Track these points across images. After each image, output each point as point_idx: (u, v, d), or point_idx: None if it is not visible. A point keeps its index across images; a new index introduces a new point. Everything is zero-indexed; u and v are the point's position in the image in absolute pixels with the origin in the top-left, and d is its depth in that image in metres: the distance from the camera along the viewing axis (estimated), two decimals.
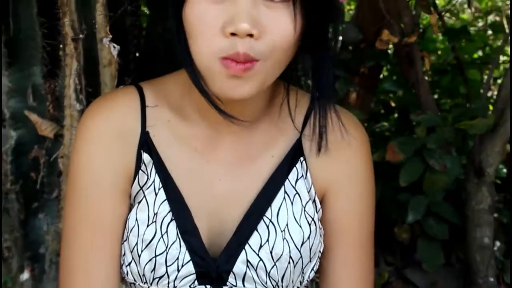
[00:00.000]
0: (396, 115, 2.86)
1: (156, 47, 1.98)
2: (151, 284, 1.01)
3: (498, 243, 2.26)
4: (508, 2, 2.88)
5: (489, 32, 3.06)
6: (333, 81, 1.11)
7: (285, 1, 0.93)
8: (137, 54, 1.98)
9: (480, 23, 3.28)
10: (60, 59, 1.82)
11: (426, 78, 2.16)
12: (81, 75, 1.74)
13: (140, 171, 1.02)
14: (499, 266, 2.26)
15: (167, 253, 1.00)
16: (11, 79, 1.88)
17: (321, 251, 1.08)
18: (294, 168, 1.06)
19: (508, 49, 2.86)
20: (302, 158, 1.07)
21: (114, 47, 1.62)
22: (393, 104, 2.91)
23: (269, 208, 1.04)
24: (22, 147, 1.93)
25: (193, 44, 0.95)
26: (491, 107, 2.28)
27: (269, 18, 0.93)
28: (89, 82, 1.77)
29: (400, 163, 2.09)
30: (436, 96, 2.65)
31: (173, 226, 1.00)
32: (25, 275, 2.03)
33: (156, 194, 1.01)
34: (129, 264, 1.02)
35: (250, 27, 0.90)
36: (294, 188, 1.06)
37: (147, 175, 1.02)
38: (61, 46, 1.76)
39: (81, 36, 1.65)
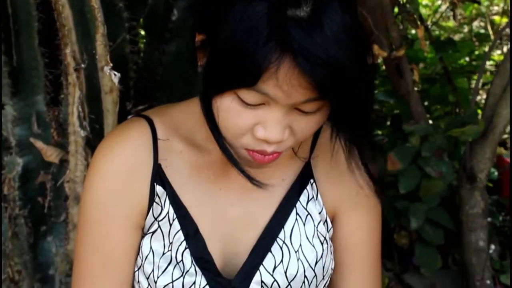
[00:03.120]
0: (388, 123, 2.91)
1: (154, 71, 2.02)
2: None
3: (493, 246, 2.31)
4: (492, 8, 2.94)
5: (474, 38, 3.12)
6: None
7: (317, 110, 0.92)
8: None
9: (466, 29, 3.35)
10: (62, 87, 1.88)
11: (416, 88, 2.22)
12: (84, 102, 1.79)
13: (154, 203, 1.03)
14: (495, 267, 2.31)
15: (183, 278, 1.02)
16: (16, 108, 1.93)
17: (333, 267, 1.11)
18: (305, 190, 1.08)
19: (494, 55, 2.93)
20: (312, 180, 1.09)
21: (115, 74, 1.66)
22: (384, 112, 2.96)
23: (282, 230, 1.06)
24: (28, 173, 1.98)
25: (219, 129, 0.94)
26: (479, 111, 2.34)
27: (301, 123, 0.93)
28: (92, 109, 1.82)
29: (397, 171, 2.14)
30: (426, 104, 2.71)
31: (187, 254, 1.02)
32: None
33: (170, 225, 1.03)
34: None
35: (281, 137, 0.91)
36: (306, 209, 1.08)
37: (161, 207, 1.03)
38: (62, 75, 1.81)
39: (82, 65, 1.69)
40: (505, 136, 3.05)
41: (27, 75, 1.91)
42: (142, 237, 1.04)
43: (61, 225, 2.02)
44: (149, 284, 1.03)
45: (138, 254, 1.04)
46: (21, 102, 1.93)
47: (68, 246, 2.01)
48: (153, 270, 1.02)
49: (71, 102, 1.77)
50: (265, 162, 0.94)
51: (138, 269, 1.04)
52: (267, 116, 0.89)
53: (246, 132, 0.92)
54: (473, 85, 2.47)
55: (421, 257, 2.26)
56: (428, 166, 2.11)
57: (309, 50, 0.84)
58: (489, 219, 2.27)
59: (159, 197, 1.03)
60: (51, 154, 1.94)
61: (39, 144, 1.95)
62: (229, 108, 0.90)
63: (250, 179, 0.96)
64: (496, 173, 2.71)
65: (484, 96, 2.72)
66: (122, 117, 1.82)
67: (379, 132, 2.84)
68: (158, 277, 1.02)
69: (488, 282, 2.19)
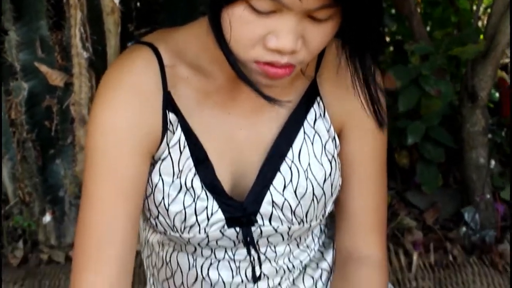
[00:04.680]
0: (391, 48, 2.90)
1: None
2: (182, 232, 1.04)
3: (493, 162, 2.34)
4: None
5: None
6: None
7: (330, 18, 0.90)
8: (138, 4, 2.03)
9: None
10: (65, 11, 1.89)
11: (418, 10, 2.21)
12: (85, 24, 1.80)
13: (168, 131, 1.02)
14: (494, 184, 2.35)
15: (195, 204, 1.02)
16: (19, 33, 1.95)
17: (340, 184, 1.11)
18: (312, 109, 1.08)
19: None
20: (318, 98, 1.08)
21: None
22: (387, 39, 2.95)
23: (290, 150, 1.06)
24: (34, 97, 2.01)
25: (228, 43, 0.92)
26: (481, 37, 2.33)
27: (313, 33, 0.91)
28: (94, 31, 1.84)
29: (397, 91, 2.15)
30: (428, 29, 2.69)
31: (197, 180, 1.02)
32: (47, 218, 2.14)
33: (181, 152, 1.02)
34: (157, 217, 1.05)
35: (294, 46, 0.89)
36: (313, 128, 1.08)
37: (173, 133, 1.02)
38: None
39: None
40: (507, 60, 3.05)
41: (29, 0, 1.92)
42: (152, 165, 1.03)
43: (69, 147, 2.06)
44: (159, 212, 1.03)
45: (147, 182, 1.03)
46: (24, 27, 1.95)
47: (76, 168, 2.05)
48: (163, 198, 1.02)
49: (73, 24, 1.78)
50: (278, 75, 0.92)
51: (148, 197, 1.04)
52: (279, 25, 0.88)
53: (257, 42, 0.90)
54: (475, 8, 2.45)
55: (422, 175, 2.29)
56: (427, 85, 2.12)
57: None
58: (489, 135, 2.28)
59: (172, 125, 1.02)
60: (56, 78, 1.96)
61: (43, 68, 1.97)
62: (240, 18, 0.88)
63: (261, 93, 0.94)
64: (497, 94, 2.71)
65: (485, 21, 2.69)
66: (124, 39, 1.84)
67: (381, 57, 2.84)
68: (169, 205, 1.02)
69: (488, 196, 2.23)
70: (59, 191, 2.13)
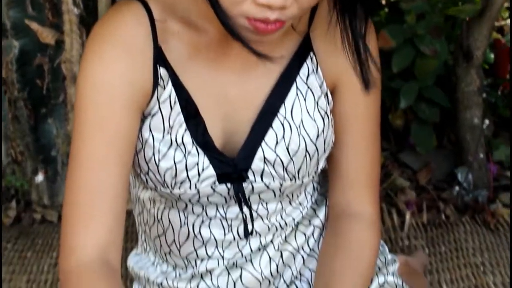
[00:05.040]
0: (386, 9, 2.88)
1: None
2: (172, 188, 1.04)
3: (487, 121, 2.33)
4: None
5: None
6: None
7: None
8: None
9: None
10: None
11: None
12: None
13: (159, 86, 1.01)
14: (488, 145, 2.35)
15: (186, 160, 1.01)
16: None
17: (333, 141, 1.11)
18: (305, 64, 1.07)
19: None
20: (311, 54, 1.07)
21: None
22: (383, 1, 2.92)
23: (283, 106, 1.05)
24: (25, 55, 1.99)
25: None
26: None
27: None
28: None
29: (391, 51, 2.14)
30: None
31: (188, 136, 1.02)
32: (40, 177, 2.13)
33: (171, 108, 1.02)
34: (147, 173, 1.04)
35: (283, 1, 0.87)
36: (306, 83, 1.07)
37: (164, 89, 1.01)
38: None
39: None
40: (502, 22, 3.03)
41: None
42: (142, 121, 1.03)
43: (61, 106, 2.05)
44: (149, 168, 1.03)
45: (137, 138, 1.02)
46: None
47: (68, 127, 2.05)
48: (153, 154, 1.02)
49: None
50: (268, 31, 0.90)
51: (138, 153, 1.03)
52: None
53: None
54: None
55: (416, 135, 2.28)
56: (422, 44, 2.10)
57: None
58: (484, 95, 2.28)
59: (162, 80, 1.01)
60: (47, 36, 1.94)
61: (34, 25, 1.95)
62: None
63: (252, 49, 0.93)
64: (492, 56, 2.70)
65: None
66: None
67: (377, 19, 2.81)
68: (159, 161, 1.01)
69: (482, 156, 2.23)
70: (51, 151, 2.12)
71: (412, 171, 2.38)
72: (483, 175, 2.25)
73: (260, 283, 1.12)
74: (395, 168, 2.37)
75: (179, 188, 1.03)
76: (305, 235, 1.15)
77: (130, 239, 1.87)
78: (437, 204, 2.18)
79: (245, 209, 1.07)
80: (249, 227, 1.09)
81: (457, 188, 2.21)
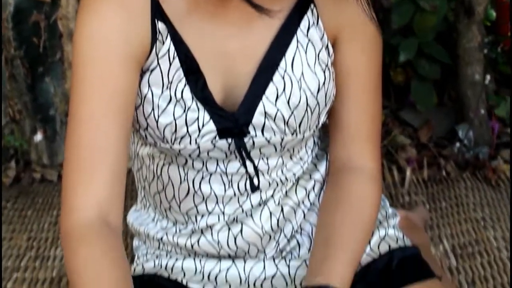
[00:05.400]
0: None
1: None
2: (172, 143, 1.03)
3: (489, 77, 2.32)
4: None
5: None
6: None
7: None
8: None
9: None
10: None
11: None
12: None
13: (157, 41, 1.00)
14: (489, 103, 2.34)
15: (186, 115, 1.01)
16: None
17: (334, 94, 1.10)
18: (305, 16, 1.06)
19: None
20: (312, 6, 1.06)
21: None
22: None
23: (283, 59, 1.04)
24: (21, 13, 1.97)
25: None
26: None
27: None
28: None
29: (391, 7, 2.12)
30: None
31: (187, 91, 1.01)
32: (39, 137, 2.13)
33: (170, 63, 1.00)
34: (146, 128, 1.03)
35: None
36: (307, 36, 1.06)
37: (163, 44, 1.00)
38: None
39: None
40: None
41: None
42: (141, 76, 1.01)
43: (58, 64, 2.04)
44: (148, 124, 1.02)
45: (137, 94, 1.01)
46: None
47: (66, 85, 2.04)
48: (153, 109, 1.01)
49: None
50: None
51: (137, 108, 1.02)
52: None
53: None
54: None
55: (417, 92, 2.27)
56: (422, 0, 2.09)
57: None
58: (485, 50, 2.26)
59: (161, 34, 1.00)
60: None
61: None
62: None
63: (250, 2, 0.92)
64: (493, 13, 2.67)
65: None
66: None
67: None
68: (159, 116, 1.01)
69: (483, 111, 2.23)
70: (49, 110, 2.12)
71: (412, 128, 2.38)
72: (484, 132, 2.25)
73: (261, 238, 1.11)
74: (396, 126, 2.36)
75: (179, 144, 1.02)
76: (305, 189, 1.14)
77: (130, 196, 1.87)
78: (438, 161, 2.19)
79: (249, 164, 1.07)
80: (255, 181, 1.08)
81: (458, 145, 2.21)
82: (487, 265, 1.69)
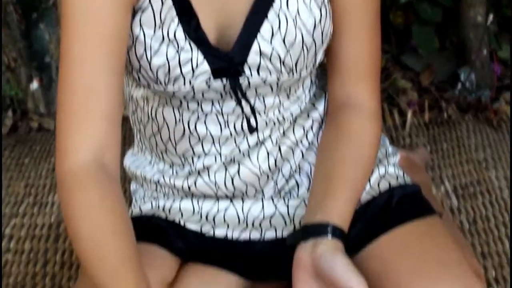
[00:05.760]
0: None
1: None
2: (166, 85, 1.02)
3: (491, 17, 2.28)
4: None
5: None
6: None
7: None
8: None
9: None
10: None
11: None
12: None
13: None
14: (491, 46, 2.31)
15: (179, 56, 0.99)
16: None
17: (331, 32, 1.08)
18: None
19: None
20: None
21: None
22: None
23: None
24: None
25: None
26: None
27: None
28: None
29: None
30: None
31: (180, 31, 0.99)
32: (34, 85, 2.12)
33: (162, 2, 0.99)
34: (139, 70, 1.02)
35: None
36: None
37: None
38: None
39: None
40: None
41: None
42: (132, 16, 0.99)
43: (51, 10, 2.01)
44: (141, 65, 1.00)
45: (128, 35, 0.99)
46: None
47: (60, 31, 2.01)
48: (145, 50, 0.99)
49: None
50: None
51: (129, 50, 1.00)
52: None
53: None
54: None
55: (418, 36, 2.24)
56: None
57: None
58: None
59: None
60: None
61: None
62: None
63: None
64: None
65: None
66: None
67: None
68: (151, 57, 0.99)
69: (485, 52, 2.20)
70: (45, 57, 2.10)
71: (414, 73, 2.36)
72: (486, 74, 2.22)
73: (259, 178, 1.10)
74: (397, 70, 2.34)
75: (173, 85, 1.01)
76: (303, 128, 1.13)
77: (128, 143, 1.86)
78: (439, 104, 2.17)
79: (245, 103, 1.05)
80: (252, 121, 1.07)
81: (459, 87, 2.19)
82: (489, 204, 1.70)
